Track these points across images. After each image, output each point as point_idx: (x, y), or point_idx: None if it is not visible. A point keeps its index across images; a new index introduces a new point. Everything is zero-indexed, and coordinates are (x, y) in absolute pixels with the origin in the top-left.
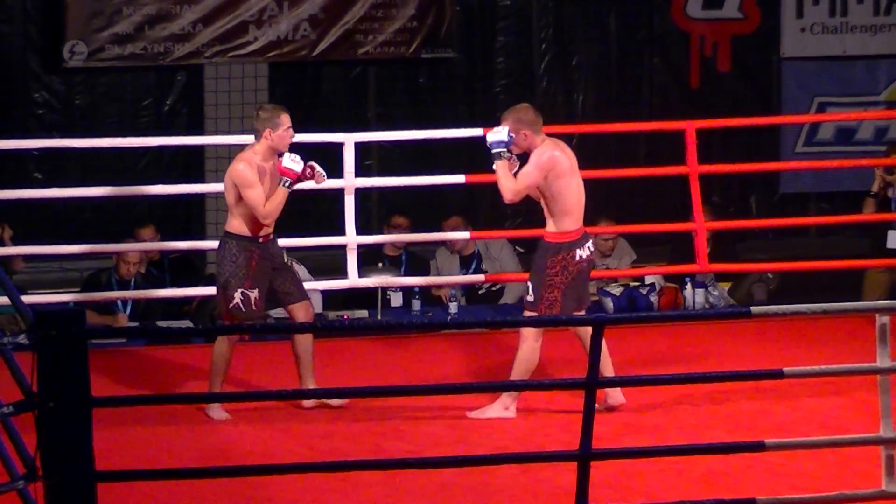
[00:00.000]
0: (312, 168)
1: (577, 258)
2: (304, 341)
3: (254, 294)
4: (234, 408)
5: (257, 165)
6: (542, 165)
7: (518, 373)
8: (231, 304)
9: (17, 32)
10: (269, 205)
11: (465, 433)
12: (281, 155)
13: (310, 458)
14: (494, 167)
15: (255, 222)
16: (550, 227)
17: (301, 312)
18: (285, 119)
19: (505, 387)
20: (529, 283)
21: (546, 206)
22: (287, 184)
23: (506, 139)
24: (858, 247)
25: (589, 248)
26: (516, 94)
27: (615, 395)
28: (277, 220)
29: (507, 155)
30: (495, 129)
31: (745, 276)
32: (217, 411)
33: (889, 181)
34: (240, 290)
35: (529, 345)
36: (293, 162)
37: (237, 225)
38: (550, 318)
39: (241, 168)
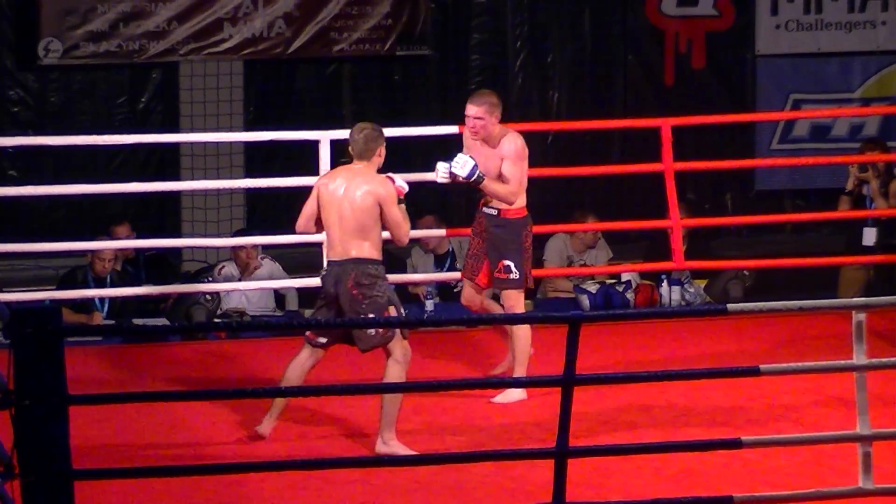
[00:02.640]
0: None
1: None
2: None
3: (403, 310)
4: (211, 405)
5: None
6: (522, 153)
7: (523, 357)
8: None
9: None
10: (405, 222)
11: (441, 431)
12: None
13: (287, 456)
14: (481, 188)
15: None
16: (511, 205)
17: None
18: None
19: (488, 384)
20: (509, 262)
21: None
22: (401, 202)
23: (472, 162)
24: (833, 244)
25: None
26: (491, 91)
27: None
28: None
29: (482, 176)
30: (457, 162)
31: (720, 274)
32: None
33: (863, 179)
34: (402, 307)
35: (525, 329)
36: (401, 180)
37: (371, 249)
38: (531, 316)
39: (390, 187)
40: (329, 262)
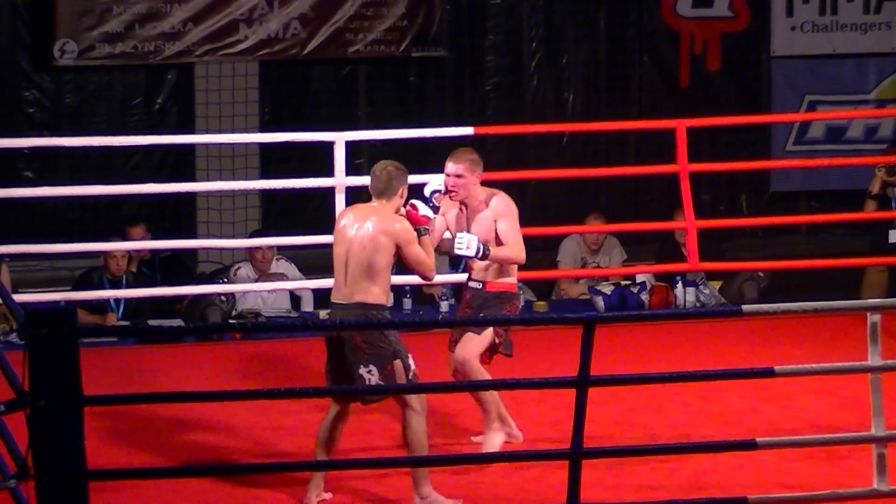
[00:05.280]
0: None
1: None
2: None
3: (412, 360)
4: (226, 406)
5: None
6: (515, 211)
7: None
8: (410, 374)
9: (6, 31)
10: (431, 259)
11: (456, 431)
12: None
13: (301, 456)
14: (490, 259)
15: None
16: (504, 275)
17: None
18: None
19: (488, 386)
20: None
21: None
22: (426, 232)
23: (475, 238)
24: (849, 245)
25: None
26: (506, 92)
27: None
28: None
29: (487, 250)
30: (460, 243)
31: (735, 275)
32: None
33: (890, 182)
34: (410, 357)
35: (477, 369)
36: (426, 207)
37: (379, 293)
38: (546, 317)
39: (406, 226)
40: (333, 304)
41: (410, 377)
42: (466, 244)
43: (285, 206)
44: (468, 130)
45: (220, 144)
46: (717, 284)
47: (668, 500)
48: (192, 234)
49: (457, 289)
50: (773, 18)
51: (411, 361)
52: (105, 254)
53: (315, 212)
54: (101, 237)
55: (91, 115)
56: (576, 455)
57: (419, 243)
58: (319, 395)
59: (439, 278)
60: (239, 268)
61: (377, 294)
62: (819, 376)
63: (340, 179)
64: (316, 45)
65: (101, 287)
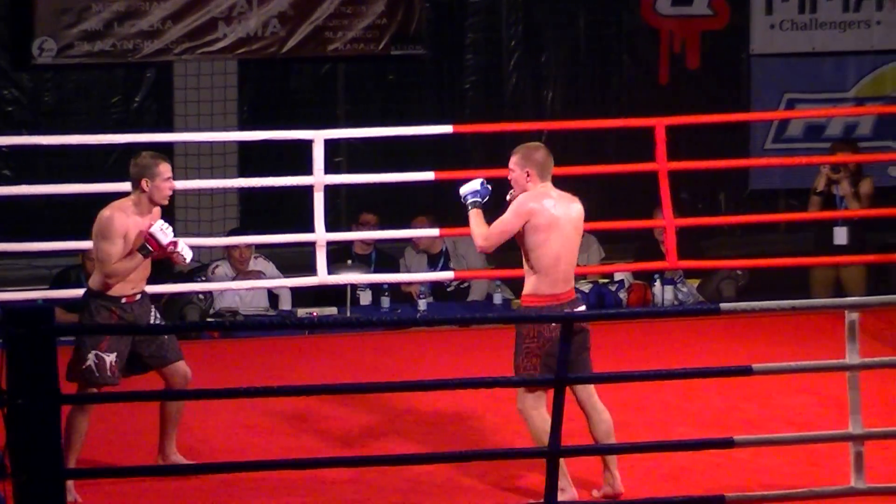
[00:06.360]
0: (175, 245)
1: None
2: (175, 404)
3: (110, 358)
4: (204, 405)
5: (131, 218)
6: (520, 213)
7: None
8: (84, 366)
9: None
10: (120, 264)
11: (434, 430)
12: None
13: (278, 455)
14: (469, 213)
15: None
16: (527, 286)
17: (178, 377)
18: (164, 169)
19: (481, 383)
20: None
21: (523, 259)
22: (146, 252)
23: (479, 189)
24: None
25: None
26: (485, 91)
27: (616, 484)
28: (155, 272)
29: (479, 205)
30: (470, 182)
31: (714, 273)
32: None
33: (835, 179)
34: (94, 352)
35: (533, 422)
36: (161, 232)
37: (100, 281)
38: (524, 315)
39: (107, 216)
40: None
41: (83, 369)
42: (469, 184)
43: (264, 205)
44: (447, 129)
45: (199, 143)
46: (695, 283)
47: (647, 499)
48: None
49: (434, 287)
50: (753, 17)
51: (91, 355)
52: (83, 252)
53: (293, 210)
54: (80, 236)
55: (70, 114)
56: (553, 453)
57: (132, 255)
58: (297, 395)
59: (419, 276)
60: (217, 266)
61: (99, 282)
62: (797, 374)
63: (319, 178)
64: (295, 43)
65: (79, 285)
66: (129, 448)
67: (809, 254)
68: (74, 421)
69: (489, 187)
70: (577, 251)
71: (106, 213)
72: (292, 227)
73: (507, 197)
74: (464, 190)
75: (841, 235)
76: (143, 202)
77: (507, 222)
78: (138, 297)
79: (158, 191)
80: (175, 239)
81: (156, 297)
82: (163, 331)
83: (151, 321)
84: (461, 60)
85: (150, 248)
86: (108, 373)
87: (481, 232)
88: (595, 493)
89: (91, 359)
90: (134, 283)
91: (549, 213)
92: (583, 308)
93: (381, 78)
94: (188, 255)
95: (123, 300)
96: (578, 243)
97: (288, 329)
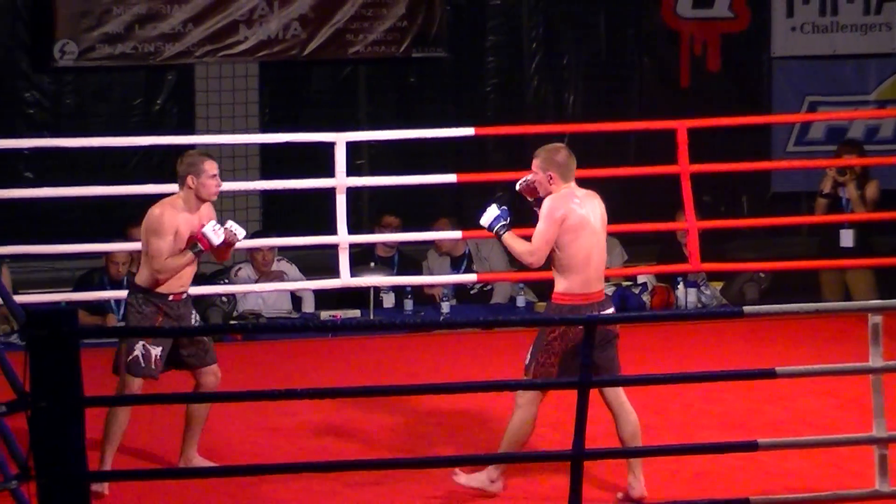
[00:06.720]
0: (230, 246)
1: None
2: (202, 407)
3: (156, 351)
4: (226, 407)
5: (181, 215)
6: (556, 220)
7: (507, 444)
8: (130, 357)
9: (6, 32)
10: (171, 260)
11: (457, 432)
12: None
13: (300, 457)
14: (501, 240)
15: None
16: (559, 285)
17: (211, 378)
18: (210, 166)
19: (504, 386)
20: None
21: (552, 260)
22: (197, 250)
23: (500, 213)
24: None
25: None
26: (506, 93)
27: (639, 487)
28: (197, 274)
29: (508, 228)
30: (487, 212)
31: (736, 276)
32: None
33: (841, 182)
34: (142, 343)
35: (520, 414)
36: (214, 233)
37: (148, 277)
38: (547, 318)
39: (157, 213)
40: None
41: (129, 361)
42: (487, 214)
43: (286, 207)
44: (469, 131)
45: (221, 145)
46: (718, 285)
47: (670, 501)
48: None
49: (457, 290)
50: (774, 19)
51: (139, 347)
52: (106, 255)
53: (315, 213)
54: (101, 238)
55: (91, 116)
56: (578, 456)
57: (183, 252)
58: (319, 397)
59: (442, 279)
60: (240, 268)
61: (146, 277)
62: (820, 377)
63: (341, 180)
64: (316, 45)
65: (102, 288)
66: (152, 450)
67: (815, 257)
68: (118, 412)
69: (506, 208)
70: (606, 249)
71: (156, 209)
72: (314, 229)
73: (533, 204)
74: (486, 221)
75: (847, 238)
76: (191, 199)
77: (546, 231)
78: (184, 296)
79: (204, 187)
80: (226, 227)
81: None
82: (181, 333)
83: (192, 322)
84: (482, 63)
85: (202, 247)
86: (153, 365)
87: (525, 249)
88: (619, 496)
89: (139, 349)
90: (182, 281)
91: (578, 214)
92: (611, 310)
93: (402, 80)
94: (241, 234)
95: (170, 298)
96: (605, 240)
97: (311, 332)
